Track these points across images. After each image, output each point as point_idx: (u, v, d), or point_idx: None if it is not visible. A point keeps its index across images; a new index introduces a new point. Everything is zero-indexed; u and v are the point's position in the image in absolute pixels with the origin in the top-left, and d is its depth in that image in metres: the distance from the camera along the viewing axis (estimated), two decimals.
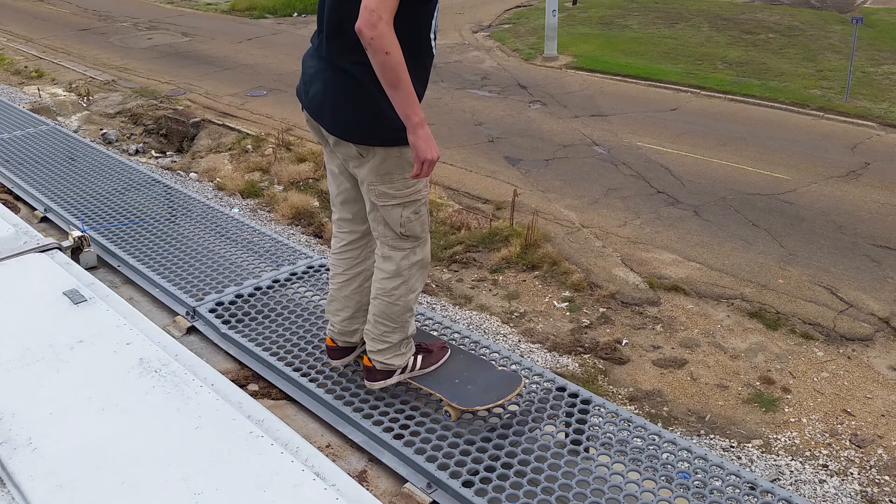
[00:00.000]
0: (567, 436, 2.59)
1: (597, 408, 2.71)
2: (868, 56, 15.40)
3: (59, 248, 3.50)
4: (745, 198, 9.70)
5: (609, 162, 10.93)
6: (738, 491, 2.35)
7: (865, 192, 9.67)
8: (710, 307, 8.00)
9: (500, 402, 2.59)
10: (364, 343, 2.80)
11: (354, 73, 2.37)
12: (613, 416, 2.66)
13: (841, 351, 7.34)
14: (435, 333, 3.17)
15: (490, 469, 2.41)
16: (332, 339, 2.87)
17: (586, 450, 2.53)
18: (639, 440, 2.56)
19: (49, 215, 4.25)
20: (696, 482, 2.38)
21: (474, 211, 9.66)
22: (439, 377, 2.70)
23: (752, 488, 2.34)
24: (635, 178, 10.38)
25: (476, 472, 2.39)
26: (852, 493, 5.96)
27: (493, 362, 2.87)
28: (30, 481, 2.15)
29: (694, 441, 5.78)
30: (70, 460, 2.22)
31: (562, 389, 2.80)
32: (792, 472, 6.19)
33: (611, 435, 2.58)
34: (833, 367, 7.21)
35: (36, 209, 4.34)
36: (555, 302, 8.16)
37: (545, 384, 2.84)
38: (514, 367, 2.94)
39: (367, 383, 2.73)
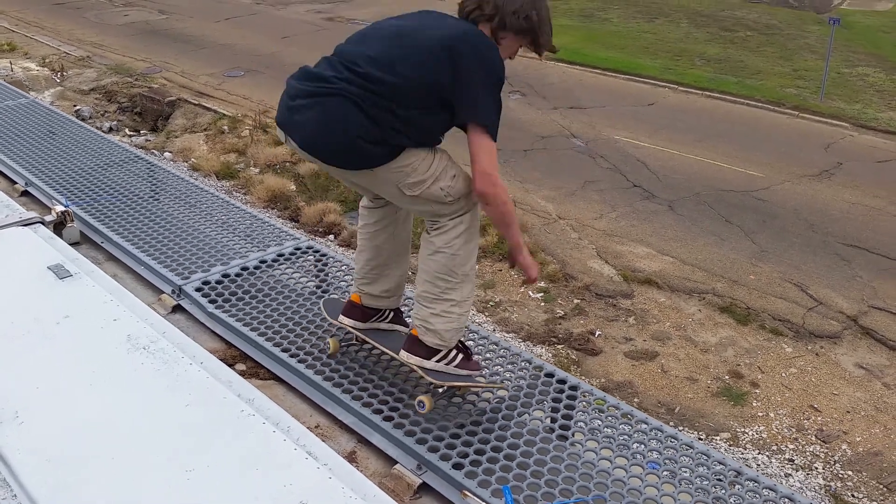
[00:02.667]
0: (555, 421, 2.62)
1: (585, 394, 2.74)
2: (843, 57, 15.63)
3: (42, 223, 3.44)
4: (719, 194, 9.82)
5: (587, 154, 10.99)
6: (723, 479, 2.39)
7: (837, 191, 9.84)
8: (683, 301, 8.10)
9: (476, 386, 2.63)
10: (384, 320, 2.81)
11: (377, 118, 2.34)
12: (601, 403, 2.69)
13: (809, 347, 7.47)
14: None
15: (480, 452, 2.43)
16: (358, 295, 2.82)
17: (574, 435, 2.57)
18: (626, 426, 2.59)
19: (30, 189, 4.18)
20: (683, 469, 2.43)
21: None
22: None
23: (738, 475, 2.39)
24: (612, 172, 10.46)
25: (466, 455, 2.41)
26: (816, 487, 6.09)
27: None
28: (17, 455, 2.13)
29: (680, 429, 5.86)
30: (59, 435, 2.20)
31: (550, 375, 2.83)
32: (759, 465, 6.31)
33: (598, 421, 2.61)
34: (801, 364, 7.35)
35: (16, 183, 4.26)
36: (530, 292, 8.19)
37: (533, 370, 2.86)
38: (502, 352, 2.96)
39: (403, 354, 2.63)
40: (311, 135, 2.41)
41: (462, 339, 2.70)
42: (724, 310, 7.82)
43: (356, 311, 2.82)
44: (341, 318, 2.83)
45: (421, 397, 2.56)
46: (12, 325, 2.67)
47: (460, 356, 2.64)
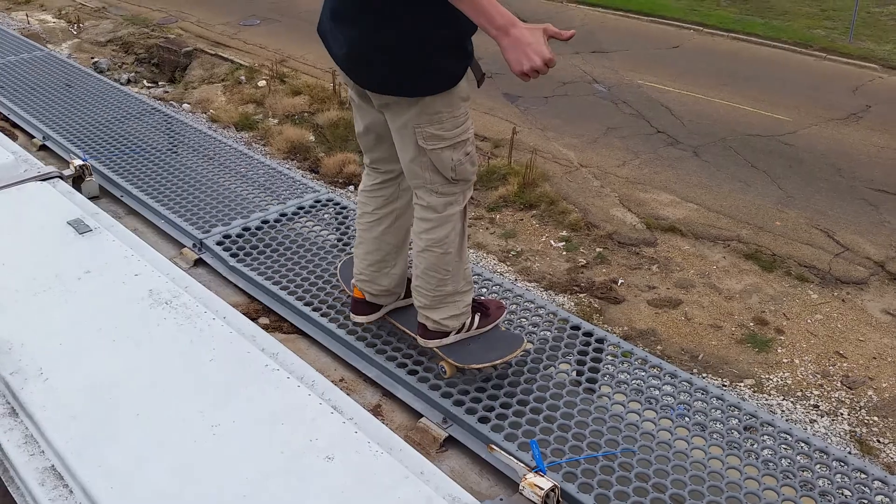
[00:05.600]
0: (581, 374, 2.59)
1: (612, 346, 2.70)
2: None
3: (61, 177, 3.42)
4: (744, 139, 9.63)
5: (609, 100, 10.79)
6: (753, 430, 2.36)
7: (865, 135, 9.62)
8: (707, 248, 8.01)
9: (498, 362, 2.50)
10: (392, 301, 2.72)
11: (402, 18, 2.13)
12: (628, 356, 2.65)
13: (835, 294, 7.39)
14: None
15: (505, 406, 2.40)
16: (360, 290, 2.70)
17: (601, 388, 2.53)
18: (655, 380, 2.55)
19: (48, 143, 4.14)
20: (714, 422, 2.39)
21: None
22: None
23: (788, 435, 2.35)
24: (635, 118, 10.27)
25: (491, 409, 2.39)
26: (842, 433, 6.07)
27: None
28: (42, 412, 2.13)
29: (711, 382, 5.82)
30: (83, 391, 2.20)
31: (576, 328, 2.78)
32: (783, 411, 6.28)
33: (626, 374, 2.57)
34: (827, 310, 7.27)
35: (34, 137, 4.23)
36: (552, 241, 8.14)
37: (559, 323, 2.82)
38: (527, 303, 2.92)
39: (420, 341, 2.55)
40: (358, 59, 2.23)
41: (475, 296, 2.62)
42: (749, 257, 7.73)
43: (362, 306, 2.71)
44: (352, 316, 2.75)
45: (443, 362, 2.52)
46: (34, 281, 2.66)
47: (477, 316, 2.56)
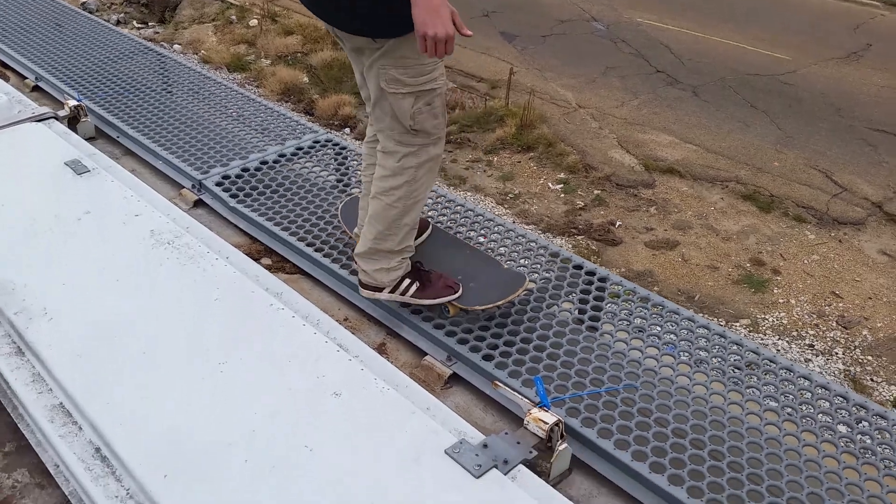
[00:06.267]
0: (584, 313, 2.60)
1: (614, 285, 2.70)
2: None
3: (56, 118, 3.38)
4: (744, 78, 9.53)
5: (608, 39, 10.63)
6: (754, 366, 2.38)
7: (865, 74, 9.52)
8: (705, 189, 7.98)
9: (501, 303, 2.49)
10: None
11: None
12: (630, 294, 2.66)
13: (832, 234, 7.39)
14: (438, 207, 3.12)
15: (509, 344, 2.42)
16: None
17: (603, 326, 2.54)
18: (657, 317, 2.57)
19: (41, 84, 4.07)
20: (715, 358, 2.41)
21: (469, 90, 9.44)
22: (441, 272, 2.59)
23: (771, 362, 2.37)
24: (634, 57, 10.14)
25: (495, 347, 2.40)
26: (836, 372, 6.14)
27: (499, 259, 2.77)
28: (48, 350, 2.14)
29: (714, 320, 5.86)
30: (88, 330, 2.21)
31: (578, 267, 2.79)
32: (778, 350, 6.34)
33: (628, 312, 2.58)
34: (824, 250, 7.29)
35: (27, 78, 4.15)
36: (549, 184, 8.10)
37: (561, 263, 2.82)
38: (530, 244, 2.92)
39: (360, 290, 2.53)
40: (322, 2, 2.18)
41: (421, 263, 2.56)
42: (746, 197, 7.71)
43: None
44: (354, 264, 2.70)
45: (448, 305, 2.52)
46: (34, 223, 2.65)
47: (415, 285, 2.48)
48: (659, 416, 2.19)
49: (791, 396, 2.29)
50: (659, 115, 8.93)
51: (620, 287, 2.72)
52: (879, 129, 8.46)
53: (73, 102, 3.54)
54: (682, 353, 2.42)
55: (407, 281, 2.47)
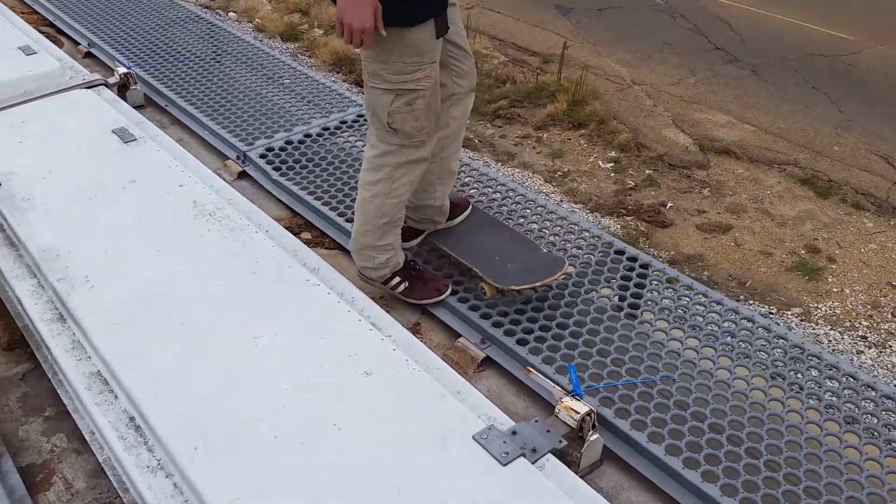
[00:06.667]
0: (623, 300, 2.54)
1: (656, 272, 2.64)
2: None
3: (106, 85, 3.41)
4: (807, 58, 9.20)
5: (666, 13, 10.36)
6: (799, 362, 2.31)
7: None
8: (762, 172, 7.75)
9: (538, 284, 2.44)
10: (433, 227, 2.68)
11: None
12: (673, 282, 2.60)
13: (892, 223, 7.12)
14: (479, 186, 3.08)
15: (545, 329, 2.38)
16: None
17: (643, 314, 2.49)
18: (699, 307, 2.50)
19: (93, 51, 4.12)
20: (759, 352, 2.34)
21: (520, 63, 9.31)
22: (479, 251, 2.57)
23: (834, 368, 2.30)
24: (693, 33, 9.86)
25: (530, 332, 2.37)
26: (889, 366, 5.96)
27: (539, 243, 2.71)
28: (89, 318, 2.17)
29: (758, 309, 5.72)
30: (128, 299, 2.23)
31: (620, 252, 2.73)
32: (830, 341, 6.18)
33: (669, 301, 2.52)
34: (882, 239, 7.03)
35: (80, 44, 4.21)
36: (600, 162, 7.96)
37: (602, 246, 2.76)
38: (571, 226, 2.86)
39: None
40: None
41: (415, 262, 2.56)
42: (804, 182, 7.48)
43: (405, 232, 2.66)
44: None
45: (483, 283, 2.50)
46: (79, 189, 2.69)
47: (403, 285, 2.49)
48: (696, 409, 2.14)
49: (835, 395, 2.21)
50: (716, 94, 8.69)
51: (664, 275, 2.66)
52: None
53: (123, 70, 3.58)
54: (723, 346, 2.36)
55: (396, 279, 2.48)
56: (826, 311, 6.35)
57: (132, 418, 1.92)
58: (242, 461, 1.78)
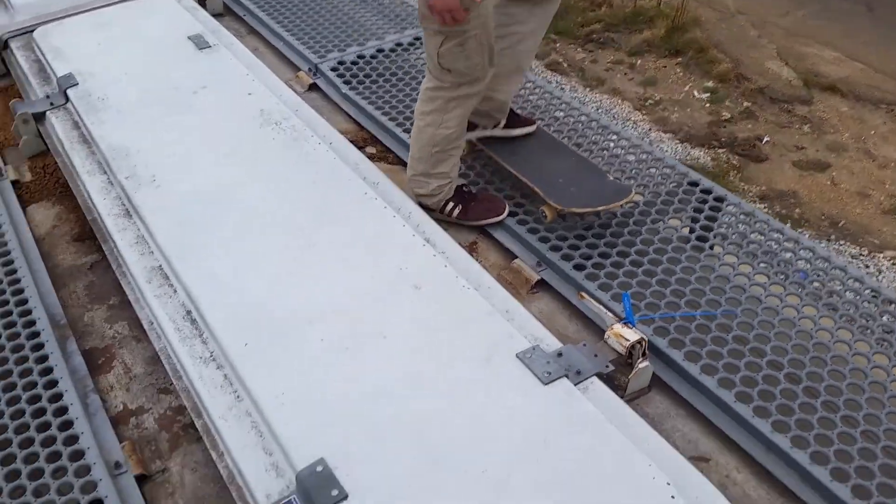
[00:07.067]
0: (692, 232, 2.44)
1: (730, 206, 2.52)
2: None
3: None
4: None
5: None
6: (875, 306, 2.18)
7: None
8: (867, 111, 7.27)
9: (602, 209, 2.40)
10: (491, 126, 2.66)
11: None
12: (748, 217, 2.47)
13: None
14: (560, 114, 2.98)
15: (604, 255, 2.32)
16: None
17: (711, 248, 2.39)
18: (773, 244, 2.38)
19: None
20: (830, 293, 2.22)
21: None
22: (542, 172, 2.51)
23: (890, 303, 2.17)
24: None
25: (589, 257, 2.31)
26: None
27: (607, 172, 2.61)
28: (153, 216, 2.23)
29: (841, 244, 5.46)
30: (190, 200, 2.28)
31: (694, 184, 2.61)
32: None
33: (741, 235, 2.41)
34: None
35: None
36: (695, 92, 7.60)
37: (675, 177, 2.65)
38: (643, 155, 2.76)
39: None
40: None
41: (467, 185, 2.57)
42: None
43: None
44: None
45: (543, 207, 2.44)
46: (151, 92, 2.74)
47: (457, 209, 2.49)
48: (755, 346, 2.06)
49: None
50: (826, 29, 8.13)
51: (739, 209, 2.53)
52: None
53: None
54: (792, 285, 2.25)
55: (450, 204, 2.48)
56: None
57: (188, 312, 1.99)
58: (289, 360, 1.82)
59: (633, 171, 2.67)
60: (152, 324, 2.03)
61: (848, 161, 6.67)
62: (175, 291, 2.06)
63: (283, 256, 2.10)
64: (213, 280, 2.03)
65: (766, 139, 6.91)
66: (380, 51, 3.30)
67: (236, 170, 2.40)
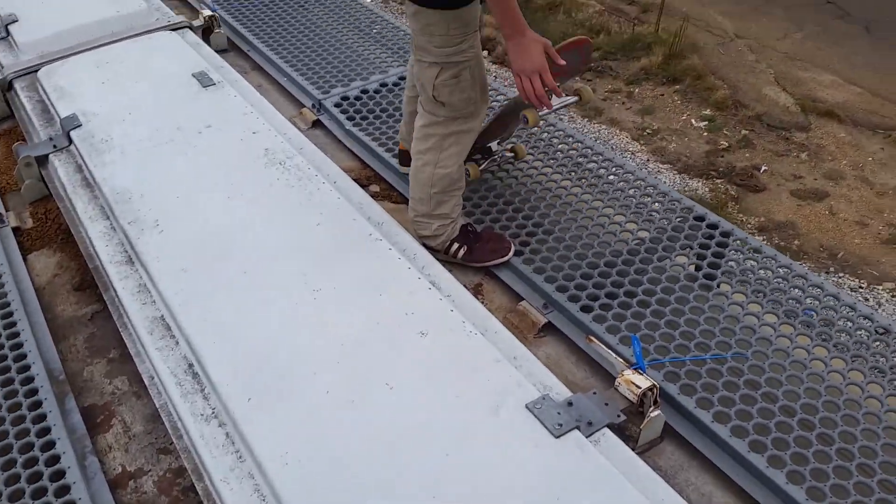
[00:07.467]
0: (699, 269, 2.42)
1: (737, 242, 2.50)
2: None
3: (190, 28, 3.44)
4: None
5: None
6: (889, 347, 2.16)
7: None
8: (865, 137, 7.30)
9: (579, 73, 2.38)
10: None
11: None
12: (755, 254, 2.45)
13: None
14: (555, 141, 2.97)
15: (611, 296, 2.29)
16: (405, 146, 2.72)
17: (719, 286, 2.37)
18: (781, 281, 2.36)
19: None
20: (840, 332, 2.20)
21: (617, 13, 8.97)
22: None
23: None
24: None
25: (596, 298, 2.29)
26: None
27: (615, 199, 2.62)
28: (156, 263, 2.21)
29: (847, 281, 5.45)
30: (194, 245, 2.26)
31: (700, 219, 2.59)
32: None
33: (750, 273, 2.39)
34: None
35: None
36: (693, 120, 7.63)
37: (681, 212, 2.64)
38: (648, 189, 2.74)
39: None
40: None
41: (471, 225, 2.52)
42: None
43: (405, 156, 2.70)
44: (399, 167, 2.77)
45: (524, 112, 2.35)
46: (156, 132, 2.72)
47: (462, 250, 2.44)
48: (767, 390, 2.03)
49: None
50: (824, 52, 8.18)
51: (746, 244, 2.52)
52: None
53: (207, 13, 3.60)
54: (802, 325, 2.22)
55: (455, 245, 2.45)
56: None
57: (190, 365, 1.95)
58: (294, 416, 1.78)
59: (638, 206, 2.66)
60: (153, 378, 1.99)
61: (846, 189, 6.67)
62: (177, 343, 2.02)
63: (287, 302, 2.08)
64: (216, 330, 2.00)
65: (763, 168, 6.91)
66: (383, 85, 3.30)
67: (240, 212, 2.38)
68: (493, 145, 2.75)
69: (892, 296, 5.94)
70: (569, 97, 2.45)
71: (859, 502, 1.77)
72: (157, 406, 1.93)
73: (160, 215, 2.36)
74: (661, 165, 6.91)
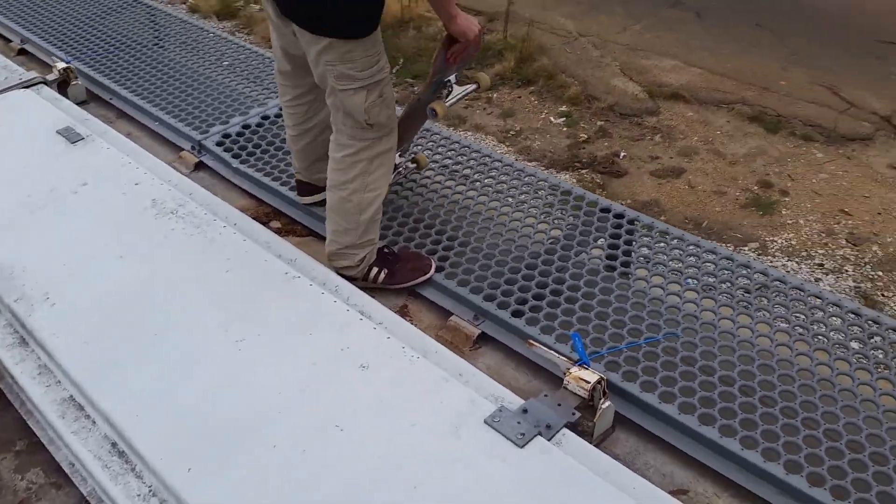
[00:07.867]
0: (615, 259, 2.47)
1: (644, 227, 2.57)
2: None
3: (45, 83, 3.20)
4: None
5: None
6: (784, 296, 2.29)
7: None
8: (711, 113, 7.75)
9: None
10: None
11: None
12: (663, 235, 2.53)
13: (840, 151, 7.18)
14: (451, 154, 2.97)
15: (539, 297, 2.30)
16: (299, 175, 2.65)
17: (637, 272, 2.42)
18: (692, 258, 2.44)
19: (27, 47, 3.86)
20: (761, 298, 2.30)
21: None
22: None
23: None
24: None
25: (525, 301, 2.28)
26: (847, 290, 6.03)
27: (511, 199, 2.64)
28: (54, 339, 2.01)
29: (721, 245, 5.74)
30: (94, 314, 2.08)
31: (606, 210, 2.65)
32: (788, 271, 6.24)
33: (662, 255, 2.46)
34: (832, 168, 7.09)
35: (11, 41, 3.95)
36: (551, 118, 7.85)
37: (587, 206, 2.68)
38: (551, 189, 2.78)
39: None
40: None
41: (388, 248, 2.48)
42: (753, 119, 7.49)
43: (305, 187, 2.65)
44: (298, 198, 2.69)
45: (431, 106, 2.39)
46: (28, 199, 2.51)
47: (382, 273, 2.40)
48: (704, 364, 2.09)
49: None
50: (662, 39, 8.64)
51: (653, 229, 2.59)
52: (889, 40, 8.19)
53: (61, 65, 3.37)
54: (724, 296, 2.31)
55: (374, 269, 2.39)
56: (782, 243, 6.39)
57: (114, 444, 1.78)
58: (242, 477, 1.66)
59: (546, 207, 2.68)
60: (74, 465, 1.80)
61: (700, 163, 7.06)
62: (94, 423, 1.84)
63: (211, 360, 1.94)
64: (137, 402, 1.83)
65: (622, 154, 7.21)
66: (265, 118, 3.18)
67: (138, 270, 2.22)
68: (396, 157, 2.71)
69: (758, 254, 6.32)
70: (469, 84, 2.50)
71: (812, 454, 1.84)
72: (85, 493, 1.75)
73: (49, 287, 2.15)
74: (527, 164, 7.07)
